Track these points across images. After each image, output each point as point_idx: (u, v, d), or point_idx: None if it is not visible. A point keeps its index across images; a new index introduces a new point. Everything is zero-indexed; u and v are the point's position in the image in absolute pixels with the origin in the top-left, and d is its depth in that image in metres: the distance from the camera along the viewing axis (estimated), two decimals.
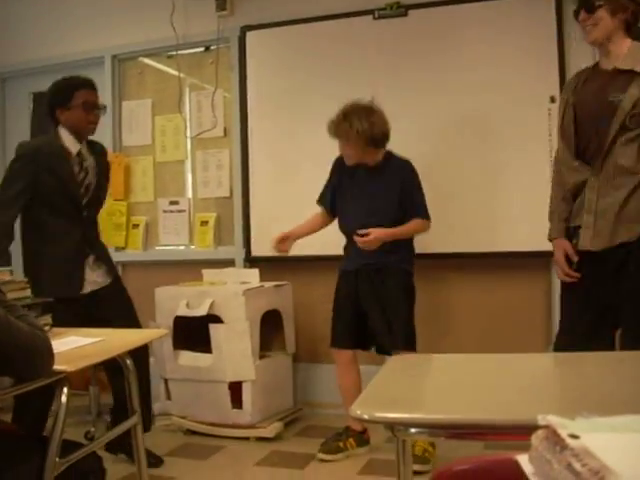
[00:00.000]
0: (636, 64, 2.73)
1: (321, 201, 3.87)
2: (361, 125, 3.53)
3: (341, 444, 3.68)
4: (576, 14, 2.87)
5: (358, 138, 3.54)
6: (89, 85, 3.51)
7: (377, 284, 3.65)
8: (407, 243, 3.71)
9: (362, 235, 3.54)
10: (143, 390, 3.22)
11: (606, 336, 2.84)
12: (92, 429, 3.95)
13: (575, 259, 2.90)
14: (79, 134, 3.49)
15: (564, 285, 3.00)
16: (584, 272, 2.88)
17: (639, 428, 0.79)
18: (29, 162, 3.38)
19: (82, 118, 3.43)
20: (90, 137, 3.59)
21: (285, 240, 3.81)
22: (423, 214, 3.65)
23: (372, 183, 3.67)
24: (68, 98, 3.41)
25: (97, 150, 3.66)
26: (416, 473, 3.18)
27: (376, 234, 3.53)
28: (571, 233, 2.94)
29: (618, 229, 2.75)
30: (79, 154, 3.51)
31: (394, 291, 3.62)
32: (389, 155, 3.71)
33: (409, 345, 3.57)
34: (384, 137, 3.63)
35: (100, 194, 3.67)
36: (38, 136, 3.56)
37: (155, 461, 3.57)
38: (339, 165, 3.81)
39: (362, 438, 3.73)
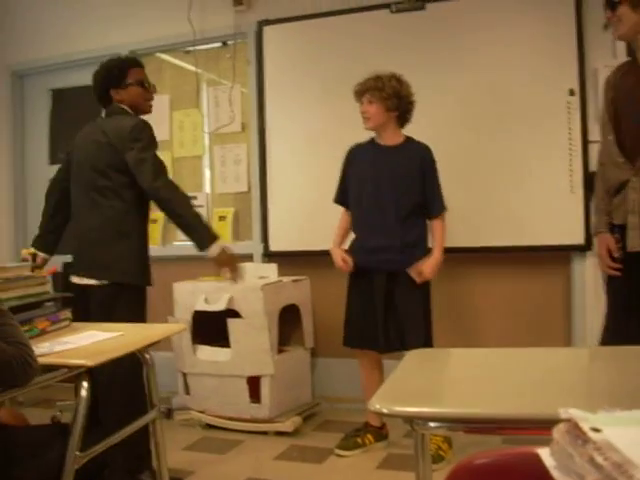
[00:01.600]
0: None
1: (338, 200, 3.84)
2: (390, 82, 3.56)
3: (359, 440, 3.68)
4: (605, 11, 2.85)
5: (384, 95, 3.54)
6: (139, 64, 3.47)
7: (391, 290, 3.59)
8: (423, 246, 3.64)
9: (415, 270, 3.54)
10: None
11: None
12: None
13: (616, 255, 2.87)
14: (138, 111, 3.39)
15: (610, 283, 2.97)
16: (633, 273, 2.86)
17: None
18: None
19: (140, 94, 3.37)
20: None
21: (345, 261, 3.70)
22: (439, 210, 3.62)
23: (389, 163, 3.62)
24: (123, 76, 3.33)
25: None
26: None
27: (429, 269, 3.53)
28: (612, 230, 2.92)
29: None
30: None
31: (409, 297, 3.57)
32: (408, 138, 3.69)
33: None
34: (409, 106, 3.61)
35: None
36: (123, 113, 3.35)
37: None
38: (351, 155, 3.78)
39: (380, 433, 3.73)
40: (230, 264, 3.30)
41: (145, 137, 3.21)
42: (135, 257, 3.28)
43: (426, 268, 3.51)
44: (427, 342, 3.53)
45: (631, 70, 2.87)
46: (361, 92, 3.63)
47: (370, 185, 3.65)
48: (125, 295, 3.15)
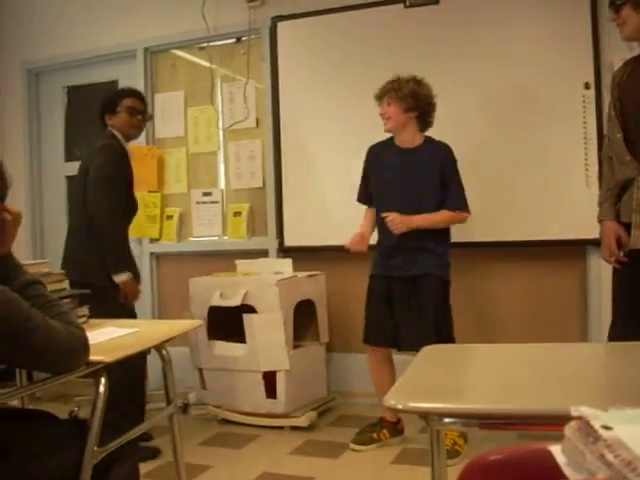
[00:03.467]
0: None
1: (361, 199, 3.85)
2: (407, 84, 3.57)
3: (375, 435, 3.69)
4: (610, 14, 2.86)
5: (400, 95, 3.55)
6: (135, 93, 3.85)
7: (411, 294, 3.60)
8: (442, 248, 3.63)
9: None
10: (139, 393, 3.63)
11: None
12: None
13: (628, 246, 2.87)
14: (125, 136, 3.78)
15: (615, 279, 2.98)
16: (636, 271, 2.86)
17: None
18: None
19: (126, 122, 3.74)
20: None
21: (363, 238, 3.69)
22: (455, 206, 3.59)
23: (409, 166, 3.62)
24: (115, 104, 3.75)
25: None
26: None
27: (399, 218, 3.51)
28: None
29: None
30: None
31: (429, 300, 3.55)
32: (427, 139, 3.68)
33: None
34: (428, 107, 3.61)
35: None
36: (97, 138, 3.84)
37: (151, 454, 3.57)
38: (372, 155, 3.79)
39: (396, 428, 3.73)
40: (132, 292, 3.67)
41: (104, 159, 3.62)
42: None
43: (401, 219, 3.50)
44: (449, 340, 3.52)
45: (636, 68, 2.87)
46: (380, 95, 3.64)
47: (390, 188, 3.66)
48: None
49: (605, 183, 3.02)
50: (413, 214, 3.54)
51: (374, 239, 3.79)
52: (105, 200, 3.56)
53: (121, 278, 3.57)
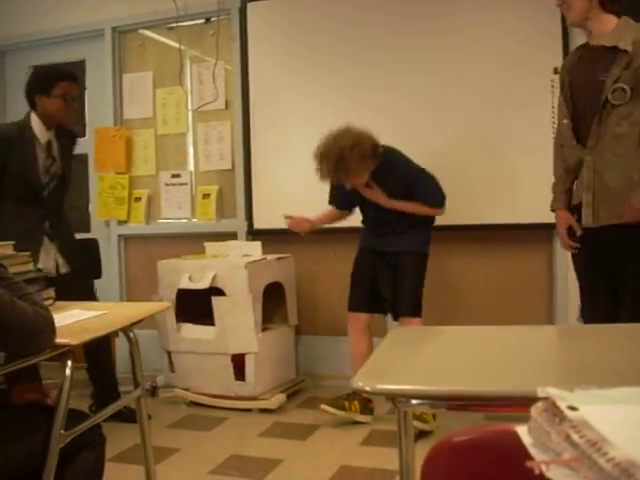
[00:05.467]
0: (620, 40, 2.71)
1: (333, 203, 3.94)
2: (351, 159, 3.49)
3: (346, 403, 3.73)
4: None
5: (357, 171, 3.56)
6: (72, 77, 3.62)
7: (392, 263, 3.74)
8: (423, 227, 3.77)
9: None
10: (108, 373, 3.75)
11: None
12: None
13: (579, 232, 2.94)
14: (51, 122, 3.58)
15: (576, 260, 3.04)
16: (590, 247, 2.90)
17: (637, 400, 0.80)
18: None
19: (61, 108, 3.54)
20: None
21: (305, 222, 3.87)
22: (426, 200, 3.67)
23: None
24: (50, 87, 3.51)
25: (67, 137, 3.75)
26: (420, 434, 3.29)
27: (372, 191, 3.66)
28: (573, 211, 2.96)
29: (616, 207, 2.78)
30: (49, 142, 3.60)
31: (407, 268, 3.72)
32: (381, 158, 3.64)
33: (414, 312, 3.68)
34: (375, 154, 3.59)
35: (65, 181, 3.74)
36: (10, 121, 3.72)
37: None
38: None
39: (367, 406, 3.76)
40: None
41: None
42: None
43: (372, 190, 3.66)
44: (416, 309, 3.69)
45: (585, 54, 2.91)
46: (338, 180, 3.68)
47: (369, 209, 3.83)
48: None
49: (556, 171, 3.08)
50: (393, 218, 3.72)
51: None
52: None
53: None
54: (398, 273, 3.73)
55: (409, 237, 3.73)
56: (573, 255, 3.06)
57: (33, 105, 3.57)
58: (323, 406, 3.74)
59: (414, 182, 3.65)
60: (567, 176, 2.99)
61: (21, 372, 1.84)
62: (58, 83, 3.52)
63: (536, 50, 4.03)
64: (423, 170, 3.67)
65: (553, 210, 3.09)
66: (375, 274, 3.80)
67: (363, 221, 3.91)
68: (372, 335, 3.78)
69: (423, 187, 3.66)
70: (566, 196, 3.00)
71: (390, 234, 3.74)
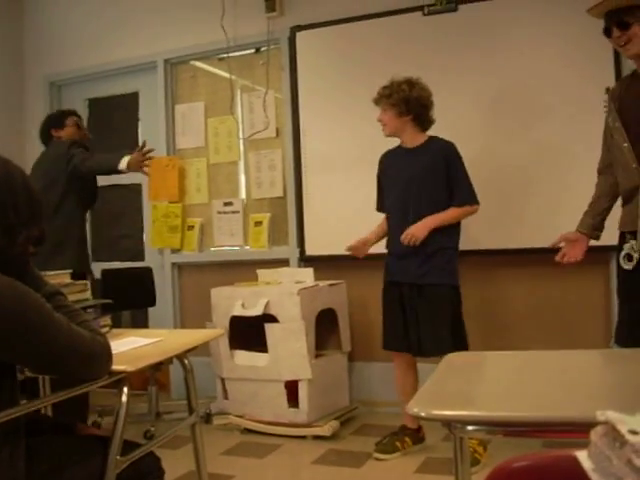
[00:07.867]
0: None
1: (379, 208, 3.87)
2: (399, 87, 3.58)
3: (398, 443, 3.67)
4: (607, 32, 2.87)
5: (392, 101, 3.58)
6: (77, 115, 4.33)
7: (423, 301, 3.58)
8: (450, 254, 3.61)
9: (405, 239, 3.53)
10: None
11: None
12: (152, 428, 4.02)
13: (579, 258, 3.12)
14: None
15: (622, 282, 2.98)
16: None
17: None
18: None
19: (75, 133, 4.22)
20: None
21: (364, 245, 3.79)
22: (462, 201, 3.57)
23: (409, 167, 3.63)
24: (62, 121, 4.23)
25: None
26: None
27: (415, 229, 3.50)
28: (623, 239, 2.92)
29: None
30: None
31: (441, 307, 3.55)
32: (430, 138, 3.67)
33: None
34: (421, 109, 3.60)
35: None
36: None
37: None
38: (381, 162, 3.83)
39: (417, 436, 3.72)
40: (138, 163, 3.99)
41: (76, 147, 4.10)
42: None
43: (413, 230, 3.50)
44: (462, 346, 3.50)
45: (633, 82, 2.92)
46: (376, 102, 3.69)
47: (395, 190, 3.70)
48: None
49: (594, 194, 3.12)
50: (413, 216, 3.56)
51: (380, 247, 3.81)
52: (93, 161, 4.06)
53: (123, 163, 3.98)
54: (425, 311, 3.56)
55: (436, 266, 3.56)
56: (621, 281, 2.99)
57: (49, 139, 4.22)
58: (376, 455, 3.65)
59: (456, 173, 3.57)
60: (605, 202, 3.04)
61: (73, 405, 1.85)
62: (67, 117, 4.24)
63: (587, 72, 3.99)
64: (465, 169, 3.61)
65: (576, 230, 3.14)
66: (405, 311, 3.64)
67: (387, 242, 3.79)
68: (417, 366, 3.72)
69: (462, 182, 3.57)
70: (594, 222, 3.06)
71: (413, 256, 3.56)
